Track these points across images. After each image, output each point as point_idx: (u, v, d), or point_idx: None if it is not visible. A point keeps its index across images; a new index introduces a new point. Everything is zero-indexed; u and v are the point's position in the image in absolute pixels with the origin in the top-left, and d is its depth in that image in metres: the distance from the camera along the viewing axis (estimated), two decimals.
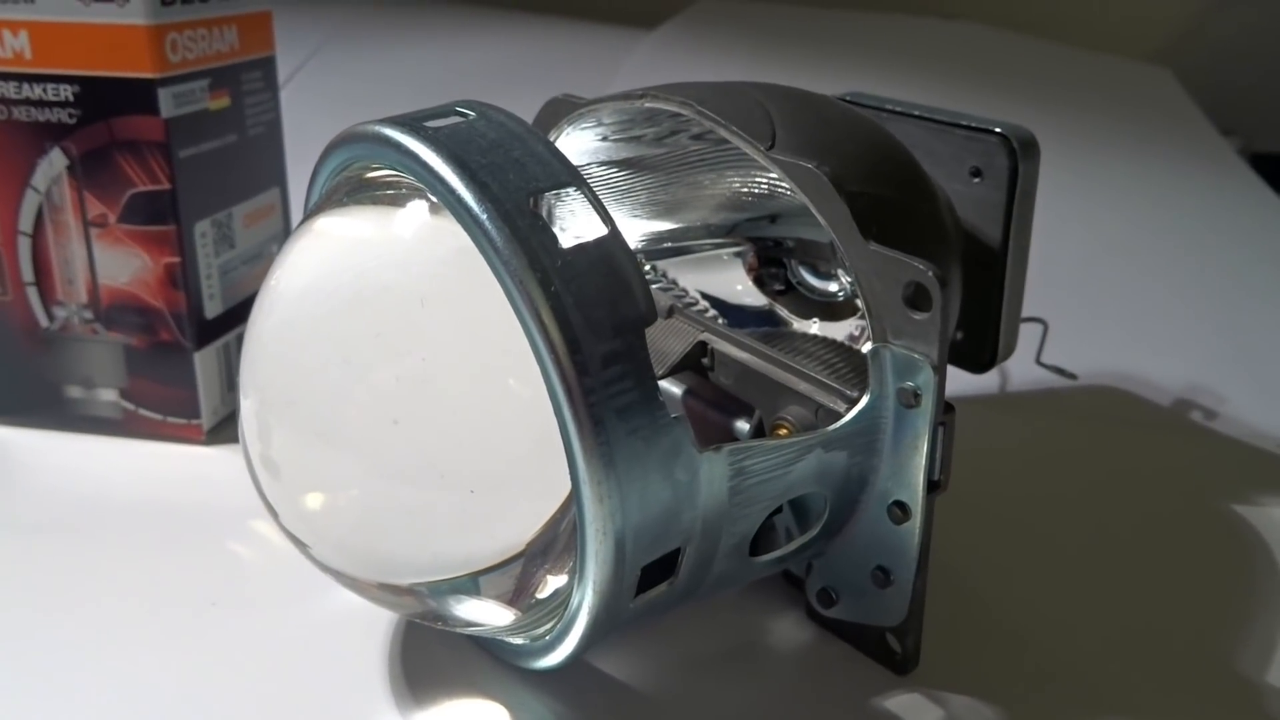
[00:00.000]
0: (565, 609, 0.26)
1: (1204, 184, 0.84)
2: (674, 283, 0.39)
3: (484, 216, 0.23)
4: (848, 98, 0.40)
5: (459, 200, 0.23)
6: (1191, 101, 1.00)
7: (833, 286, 0.38)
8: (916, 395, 0.27)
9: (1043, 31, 1.14)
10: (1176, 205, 0.79)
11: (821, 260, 0.38)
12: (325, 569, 0.27)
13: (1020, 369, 0.50)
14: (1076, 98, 0.95)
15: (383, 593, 0.26)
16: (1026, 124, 0.37)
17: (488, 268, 0.23)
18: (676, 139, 0.36)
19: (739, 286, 0.38)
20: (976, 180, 0.37)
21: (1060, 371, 0.49)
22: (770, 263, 0.38)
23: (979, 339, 0.39)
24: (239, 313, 0.44)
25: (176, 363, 0.41)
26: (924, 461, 0.27)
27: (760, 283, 0.38)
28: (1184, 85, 1.04)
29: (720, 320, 0.38)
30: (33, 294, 0.41)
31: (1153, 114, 0.97)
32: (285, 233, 0.48)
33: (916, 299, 0.26)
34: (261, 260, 0.46)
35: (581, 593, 0.25)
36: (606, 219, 0.24)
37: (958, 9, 1.18)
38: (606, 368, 0.23)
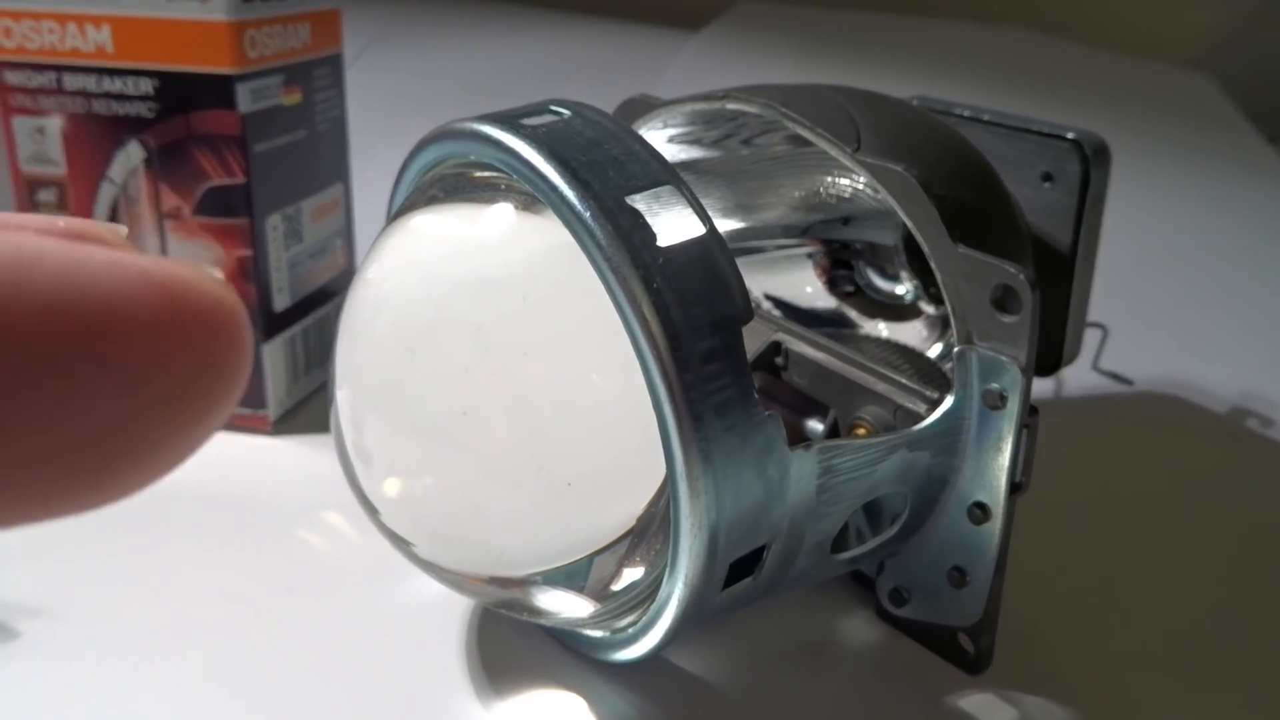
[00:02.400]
0: (650, 602, 0.26)
1: (1252, 192, 0.84)
2: None
3: (587, 214, 0.24)
4: (917, 101, 0.41)
5: (561, 198, 0.24)
6: (1236, 110, 1.00)
7: (900, 289, 0.39)
8: (1002, 397, 0.27)
9: (1083, 37, 1.14)
10: (1225, 212, 0.79)
11: (888, 263, 0.39)
12: (426, 565, 0.28)
13: (1076, 373, 0.50)
14: (1118, 104, 0.95)
15: (489, 586, 0.27)
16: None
17: (587, 264, 0.24)
18: (729, 143, 0.37)
19: (808, 289, 0.39)
20: (1047, 185, 0.37)
21: (1116, 377, 0.49)
22: (839, 265, 0.38)
23: (1045, 342, 0.39)
24: (305, 306, 0.45)
25: None
26: (1007, 463, 0.28)
27: (831, 284, 0.38)
28: (1227, 93, 1.03)
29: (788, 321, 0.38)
30: None
31: (1197, 121, 0.96)
32: (348, 228, 0.49)
33: (1005, 301, 0.27)
34: (326, 254, 0.46)
35: (672, 585, 0.25)
36: (704, 218, 0.25)
37: (998, 14, 1.18)
38: (706, 364, 0.23)
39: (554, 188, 0.24)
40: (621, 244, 0.23)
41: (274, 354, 0.43)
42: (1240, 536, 0.40)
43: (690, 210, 0.25)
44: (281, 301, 0.43)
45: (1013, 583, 0.31)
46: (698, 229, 0.24)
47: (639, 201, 0.24)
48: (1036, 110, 0.39)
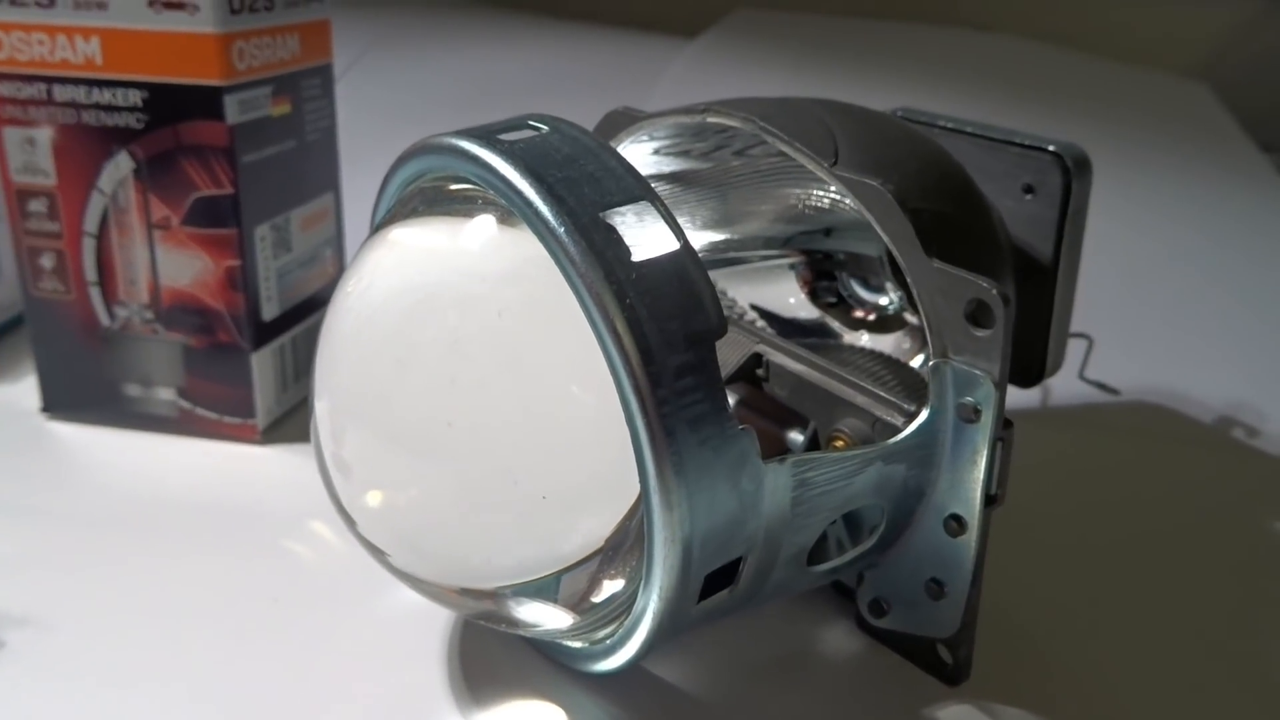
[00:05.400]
0: (628, 614, 0.26)
1: (1244, 200, 0.84)
2: (723, 294, 0.40)
3: (561, 230, 0.24)
4: (899, 113, 0.41)
5: (536, 214, 0.24)
6: (1230, 117, 1.00)
7: (883, 300, 0.39)
8: (976, 410, 0.27)
9: (1078, 45, 1.14)
10: (1216, 221, 0.79)
11: (871, 274, 0.39)
12: (402, 576, 0.28)
13: (1062, 384, 0.50)
14: (1111, 112, 0.95)
15: (463, 597, 0.27)
16: (1061, 138, 0.38)
17: (562, 280, 0.24)
18: (721, 154, 0.37)
19: (791, 299, 0.39)
20: (1028, 197, 0.37)
21: (1102, 387, 0.49)
22: (822, 275, 0.39)
23: (1027, 354, 0.39)
24: (294, 315, 0.45)
25: (233, 363, 0.42)
26: (982, 475, 0.28)
27: (813, 295, 0.39)
28: (1222, 101, 1.04)
29: (770, 332, 0.38)
30: (95, 293, 0.42)
31: (1191, 130, 0.97)
32: (338, 237, 0.49)
33: (979, 316, 0.27)
34: (316, 264, 0.47)
35: (647, 598, 0.25)
36: (679, 233, 0.25)
37: (992, 21, 1.18)
38: (679, 379, 0.23)
39: (529, 203, 0.24)
40: (595, 260, 0.23)
41: (262, 363, 0.43)
42: (1226, 545, 0.40)
43: (665, 226, 0.25)
44: (270, 311, 0.43)
45: (996, 593, 0.31)
46: (672, 244, 0.25)
47: (614, 217, 0.24)
48: (1030, 118, 0.40)
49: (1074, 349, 0.46)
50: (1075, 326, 0.45)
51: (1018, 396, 0.46)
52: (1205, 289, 0.68)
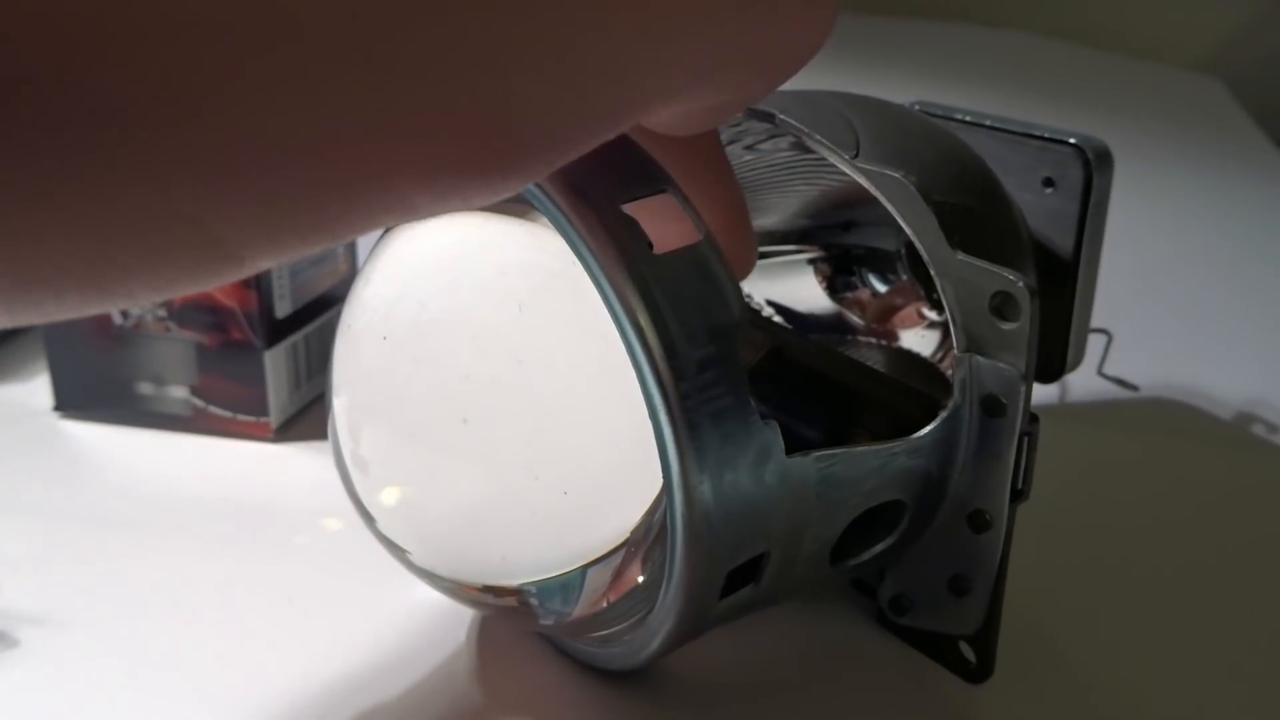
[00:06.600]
0: (650, 611, 0.26)
1: (1259, 195, 0.83)
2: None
3: (582, 222, 0.23)
4: (917, 106, 0.40)
5: (555, 206, 0.24)
6: (1244, 113, 0.99)
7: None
8: (1002, 404, 0.27)
9: (1089, 40, 1.13)
10: (1231, 217, 0.78)
11: (889, 269, 0.39)
12: (422, 573, 0.28)
13: (1081, 379, 0.49)
14: (1125, 107, 0.95)
15: (484, 595, 0.27)
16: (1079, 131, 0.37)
17: (583, 273, 0.23)
18: (733, 149, 0.36)
19: (811, 294, 0.38)
20: (1049, 191, 0.37)
21: (1121, 383, 0.49)
22: (841, 270, 0.38)
23: (1047, 349, 0.39)
24: (307, 313, 0.45)
25: (247, 361, 0.42)
26: (1007, 471, 0.27)
27: (833, 290, 0.38)
28: (1235, 96, 1.03)
29: (789, 327, 0.38)
30: None
31: (1205, 125, 0.96)
32: None
33: (1004, 309, 0.26)
34: (328, 261, 0.46)
35: (669, 595, 0.25)
36: (700, 224, 0.24)
37: (1004, 17, 1.17)
38: (701, 373, 0.23)
39: (549, 196, 0.24)
40: (617, 252, 0.23)
41: (275, 361, 0.43)
42: (1246, 543, 0.40)
43: (687, 217, 0.24)
44: (283, 308, 0.43)
45: (1016, 591, 0.30)
46: (693, 236, 0.24)
47: (635, 209, 0.24)
48: (1043, 114, 0.39)
49: (1093, 345, 0.46)
50: (1093, 322, 0.45)
51: (1036, 392, 0.46)
52: (1222, 284, 0.67)
